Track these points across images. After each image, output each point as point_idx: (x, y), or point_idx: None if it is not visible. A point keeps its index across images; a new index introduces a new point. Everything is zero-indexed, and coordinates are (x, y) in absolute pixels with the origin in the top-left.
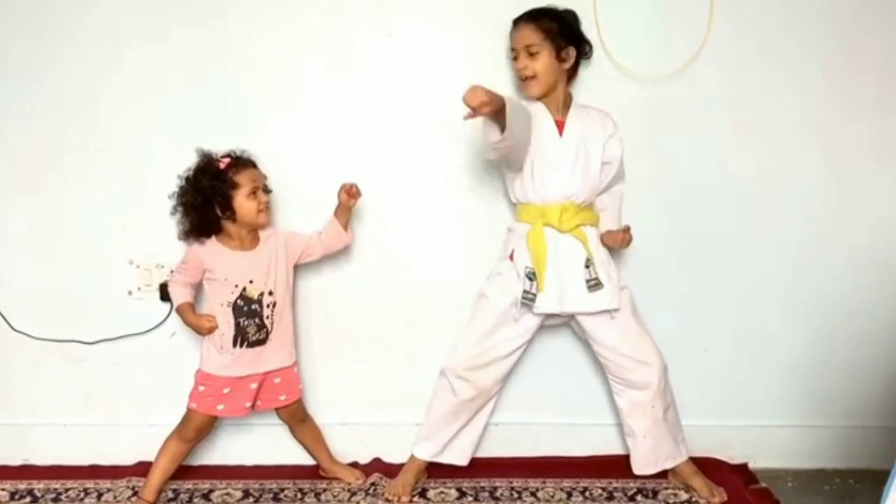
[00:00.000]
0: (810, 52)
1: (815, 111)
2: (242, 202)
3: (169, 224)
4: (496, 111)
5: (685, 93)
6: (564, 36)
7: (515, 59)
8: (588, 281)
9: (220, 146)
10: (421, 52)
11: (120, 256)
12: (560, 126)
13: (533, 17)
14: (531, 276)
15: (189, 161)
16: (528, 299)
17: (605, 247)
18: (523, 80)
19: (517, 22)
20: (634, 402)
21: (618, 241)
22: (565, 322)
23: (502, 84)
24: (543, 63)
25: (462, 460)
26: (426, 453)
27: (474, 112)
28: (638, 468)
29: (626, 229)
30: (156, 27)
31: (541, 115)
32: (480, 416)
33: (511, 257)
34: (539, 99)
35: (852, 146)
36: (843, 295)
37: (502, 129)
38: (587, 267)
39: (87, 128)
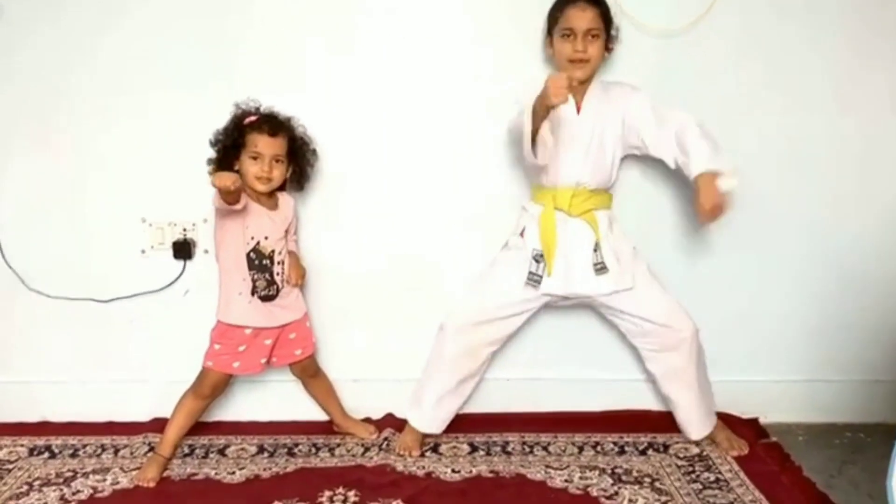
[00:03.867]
0: (825, 3)
1: (832, 64)
2: (244, 163)
3: (181, 182)
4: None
5: (698, 48)
6: (611, 23)
7: (566, 37)
8: (595, 265)
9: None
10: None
11: (132, 215)
12: (578, 107)
13: (595, 2)
14: (538, 259)
15: (199, 118)
16: (533, 280)
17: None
18: (573, 62)
19: (576, 1)
20: (669, 368)
21: (709, 200)
22: (581, 303)
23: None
24: (599, 49)
25: (437, 430)
26: (413, 419)
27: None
28: (687, 432)
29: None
30: None
31: None
32: (466, 385)
33: (522, 235)
34: (580, 84)
35: (871, 99)
36: (858, 252)
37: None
38: (595, 251)
39: (98, 86)
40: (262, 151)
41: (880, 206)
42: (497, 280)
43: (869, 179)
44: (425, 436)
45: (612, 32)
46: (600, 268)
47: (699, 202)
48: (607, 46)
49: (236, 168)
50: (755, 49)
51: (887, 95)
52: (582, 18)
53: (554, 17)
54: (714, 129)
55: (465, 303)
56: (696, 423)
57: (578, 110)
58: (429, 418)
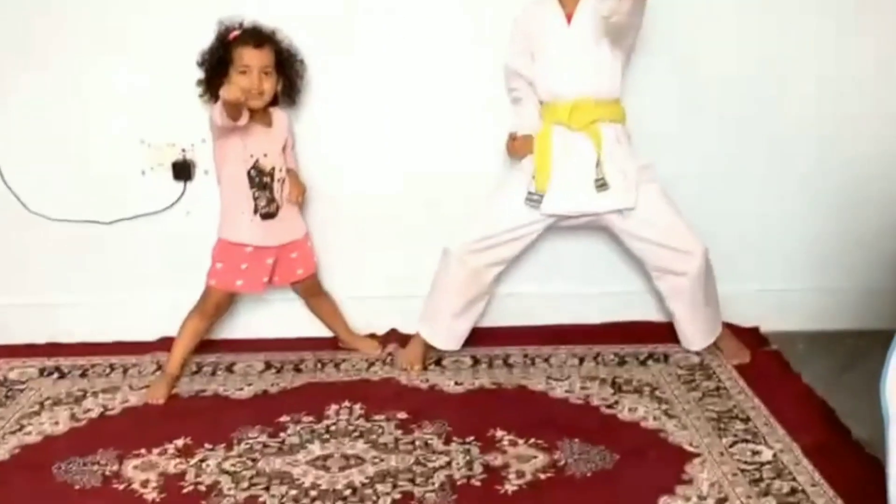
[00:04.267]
0: None
1: None
2: (233, 77)
3: (178, 103)
4: None
5: None
6: None
7: None
8: (596, 180)
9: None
10: None
11: (131, 136)
12: (569, 18)
13: None
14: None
15: (194, 37)
16: (533, 200)
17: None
18: None
19: None
20: (675, 286)
21: None
22: (589, 223)
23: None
24: None
25: (455, 346)
26: (425, 333)
27: None
28: (687, 344)
29: None
30: None
31: (548, 6)
32: (476, 305)
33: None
34: None
35: (872, 26)
36: (860, 160)
37: None
38: (597, 166)
39: (94, 8)
40: (249, 64)
41: (884, 120)
42: (500, 203)
43: (878, 93)
44: (428, 350)
45: None
46: (601, 184)
47: None
48: None
49: (226, 83)
50: None
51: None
52: None
53: None
54: (718, 36)
55: (469, 227)
56: (692, 337)
57: (569, 20)
58: (445, 336)
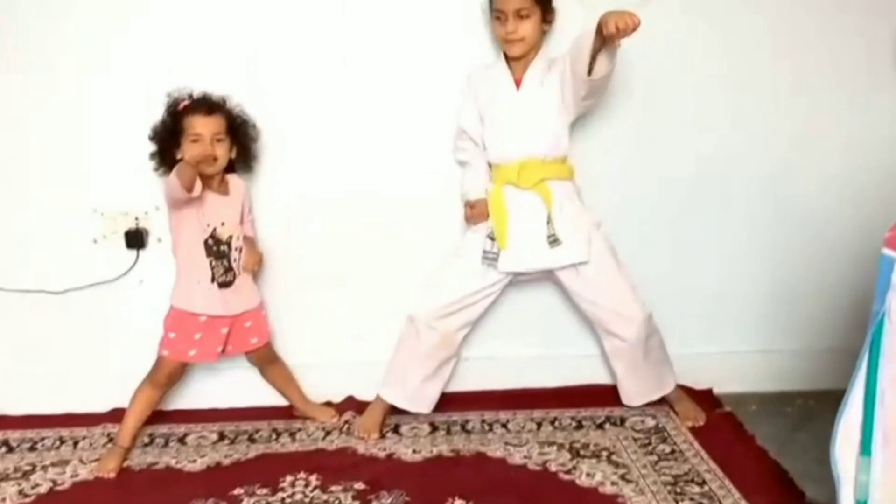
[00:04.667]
0: None
1: (777, 34)
2: (186, 146)
3: (132, 171)
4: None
5: (652, 27)
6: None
7: (499, 20)
8: (549, 237)
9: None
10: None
11: (83, 205)
12: (518, 83)
13: None
14: (492, 237)
15: (149, 106)
16: (489, 258)
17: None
18: (508, 43)
19: None
20: (616, 347)
21: (612, 24)
22: (545, 276)
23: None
24: (532, 26)
25: (427, 409)
26: (393, 398)
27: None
28: (625, 401)
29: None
30: None
31: (498, 72)
32: (446, 367)
33: None
34: (518, 59)
35: (817, 70)
36: (806, 219)
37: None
38: (548, 223)
39: (49, 73)
40: (201, 132)
41: (831, 173)
42: (460, 267)
43: (819, 146)
44: (385, 417)
45: (548, 6)
46: (553, 240)
47: (607, 28)
48: (545, 19)
49: (179, 157)
50: (706, 25)
51: (830, 65)
52: (509, 1)
53: (490, 1)
54: (661, 98)
55: (430, 294)
56: (630, 393)
57: (518, 86)
58: (416, 400)
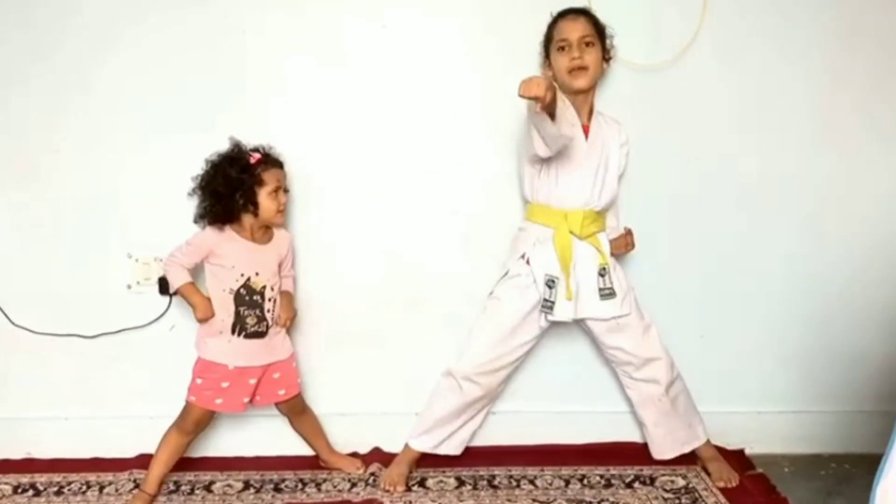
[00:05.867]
0: (808, 33)
1: (811, 94)
2: (264, 200)
3: (166, 217)
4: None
5: (682, 81)
6: (604, 34)
7: (562, 49)
8: (602, 290)
9: (219, 137)
10: (417, 42)
11: (118, 250)
12: (586, 130)
13: (584, 12)
14: (550, 284)
15: (183, 153)
16: (547, 307)
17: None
18: (572, 72)
19: (565, 15)
20: (644, 395)
21: (622, 246)
22: (574, 324)
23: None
24: (596, 56)
25: (457, 451)
26: (424, 446)
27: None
28: (656, 454)
29: (629, 232)
30: (149, 14)
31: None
32: (483, 412)
33: (527, 261)
34: (580, 93)
35: (849, 130)
36: (839, 280)
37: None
38: (601, 275)
39: (83, 120)
40: (279, 184)
41: (861, 233)
42: (499, 321)
43: (849, 209)
44: (412, 469)
45: (608, 43)
46: (608, 293)
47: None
48: (605, 57)
49: (250, 207)
50: (737, 79)
51: (864, 123)
52: (573, 28)
53: (549, 36)
54: (694, 159)
55: (473, 351)
56: (662, 444)
57: (587, 135)
58: (449, 442)
